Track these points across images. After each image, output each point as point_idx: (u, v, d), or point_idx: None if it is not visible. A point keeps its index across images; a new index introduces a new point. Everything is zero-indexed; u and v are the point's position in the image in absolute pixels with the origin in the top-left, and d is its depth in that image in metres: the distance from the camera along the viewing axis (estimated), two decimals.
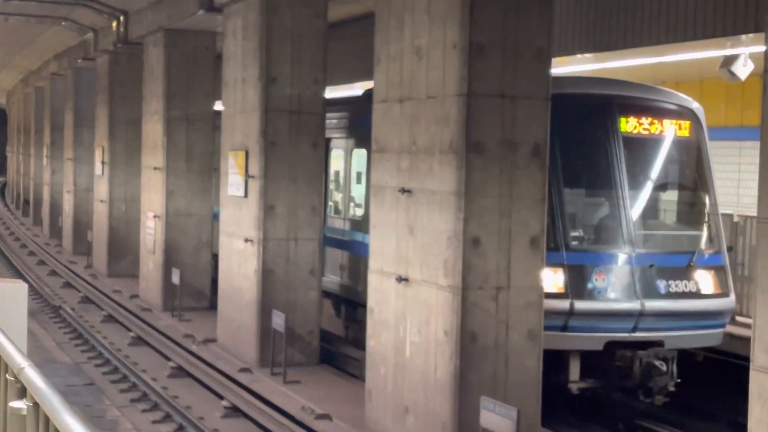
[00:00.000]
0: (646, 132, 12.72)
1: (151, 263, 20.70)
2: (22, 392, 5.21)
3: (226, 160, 15.82)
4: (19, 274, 25.58)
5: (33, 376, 5.10)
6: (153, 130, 20.79)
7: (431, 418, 10.24)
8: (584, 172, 12.92)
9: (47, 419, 4.74)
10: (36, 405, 4.95)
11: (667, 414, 13.37)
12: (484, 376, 10.00)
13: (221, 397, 13.30)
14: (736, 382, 11.46)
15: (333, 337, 15.86)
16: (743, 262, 14.62)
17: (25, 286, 11.60)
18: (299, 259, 14.76)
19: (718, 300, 12.48)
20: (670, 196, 13.31)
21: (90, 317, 19.46)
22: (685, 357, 12.64)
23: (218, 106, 18.26)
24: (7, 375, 5.64)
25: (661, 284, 12.12)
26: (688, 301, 12.23)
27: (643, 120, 12.68)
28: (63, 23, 26.39)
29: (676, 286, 12.19)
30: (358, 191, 15.35)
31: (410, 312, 10.63)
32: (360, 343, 13.96)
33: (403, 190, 10.69)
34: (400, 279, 10.73)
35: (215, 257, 18.24)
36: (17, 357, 5.53)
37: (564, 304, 11.69)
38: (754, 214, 7.30)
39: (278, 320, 13.69)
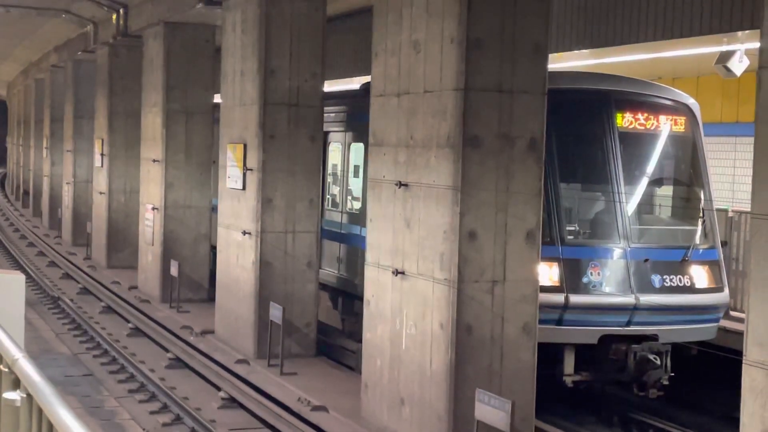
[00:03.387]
0: (642, 127, 12.78)
1: (149, 255, 20.76)
2: (16, 383, 5.23)
3: (225, 153, 15.88)
4: (18, 265, 25.64)
5: (27, 368, 5.10)
6: (152, 122, 20.83)
7: (427, 410, 10.31)
8: (580, 166, 12.98)
9: (41, 411, 4.76)
10: (30, 396, 4.96)
11: (660, 407, 13.44)
12: (480, 369, 10.06)
13: (218, 388, 13.37)
14: (729, 376, 11.53)
15: (330, 329, 15.93)
16: (737, 257, 14.68)
17: (23, 277, 11.66)
18: (297, 251, 14.83)
19: (712, 295, 12.54)
20: (666, 191, 13.37)
21: (89, 308, 19.52)
22: (679, 351, 12.71)
23: (217, 98, 18.31)
24: (1, 366, 5.64)
25: (656, 278, 12.19)
26: (683, 296, 12.29)
27: (639, 115, 12.74)
28: (63, 15, 26.41)
29: (671, 280, 12.26)
30: (355, 185, 15.41)
31: (406, 305, 10.69)
32: (357, 336, 14.03)
33: (400, 184, 10.75)
34: (397, 272, 10.79)
35: (214, 249, 18.31)
36: (11, 348, 5.53)
37: (559, 298, 11.76)
38: (749, 209, 7.36)
39: (276, 312, 13.75)
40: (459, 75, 9.85)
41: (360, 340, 12.26)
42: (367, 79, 12.74)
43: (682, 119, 13.03)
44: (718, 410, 13.46)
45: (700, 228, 12.85)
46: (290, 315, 14.40)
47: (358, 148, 15.24)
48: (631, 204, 12.50)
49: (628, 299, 11.99)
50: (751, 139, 7.24)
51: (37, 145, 39.96)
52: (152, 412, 12.45)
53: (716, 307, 12.62)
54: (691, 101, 13.30)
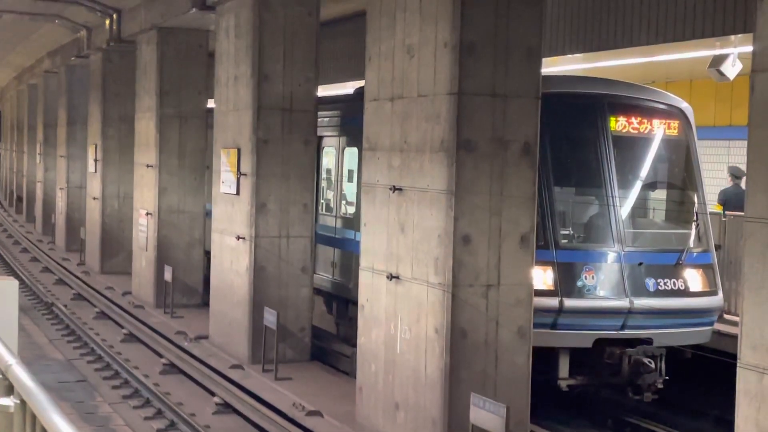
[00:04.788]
0: (636, 131, 12.80)
1: (143, 260, 20.73)
2: (9, 389, 5.22)
3: (219, 158, 15.87)
4: (11, 271, 25.59)
5: (20, 374, 5.10)
6: (146, 127, 20.82)
7: (421, 415, 10.30)
8: (574, 170, 12.99)
9: (34, 416, 4.75)
10: (23, 402, 4.95)
11: (655, 411, 13.45)
12: (474, 373, 10.06)
13: (213, 394, 13.34)
14: (723, 379, 11.54)
15: (324, 334, 15.91)
16: (731, 260, 14.68)
17: (16, 282, 11.62)
18: (291, 256, 14.82)
19: (707, 298, 12.56)
20: (659, 195, 13.38)
21: (82, 314, 19.47)
22: (674, 354, 12.72)
23: (211, 103, 18.31)
24: None
25: (650, 282, 12.20)
26: (677, 299, 12.29)
27: (633, 119, 12.75)
28: (56, 21, 26.39)
29: (665, 284, 12.27)
30: (349, 189, 15.41)
31: (401, 309, 10.69)
32: (351, 340, 14.02)
33: (394, 188, 10.74)
34: (391, 276, 10.79)
35: (208, 254, 18.28)
36: (5, 354, 5.52)
37: (553, 302, 11.75)
38: (742, 213, 7.37)
39: (270, 317, 13.74)
40: (452, 79, 9.86)
41: (354, 345, 12.25)
42: (360, 83, 12.74)
43: (675, 123, 13.05)
44: (712, 413, 13.46)
45: (693, 231, 12.87)
46: (284, 320, 14.39)
47: (351, 153, 15.24)
48: (625, 207, 12.50)
49: (623, 303, 11.99)
50: (745, 143, 7.25)
51: (30, 150, 39.90)
52: (146, 418, 12.43)
53: (710, 311, 12.63)
54: (684, 105, 13.32)
